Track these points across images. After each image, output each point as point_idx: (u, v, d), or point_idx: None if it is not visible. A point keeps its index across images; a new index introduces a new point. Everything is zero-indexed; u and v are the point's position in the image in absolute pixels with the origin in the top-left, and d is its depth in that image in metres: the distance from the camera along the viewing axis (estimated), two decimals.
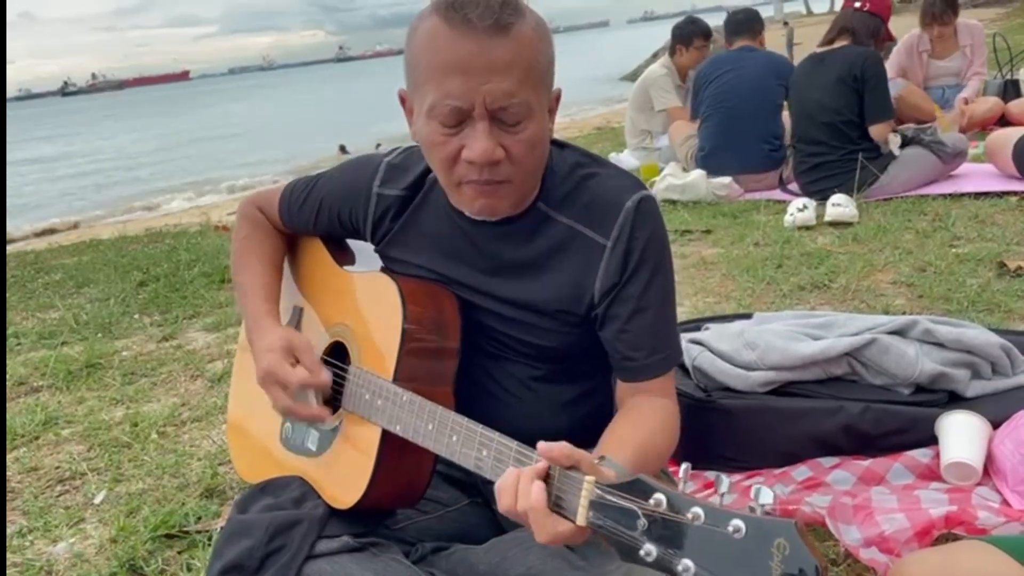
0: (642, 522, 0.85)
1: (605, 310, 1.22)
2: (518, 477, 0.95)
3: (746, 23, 5.07)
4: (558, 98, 1.20)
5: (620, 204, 1.20)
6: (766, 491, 0.80)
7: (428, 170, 1.28)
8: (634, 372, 1.23)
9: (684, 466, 0.87)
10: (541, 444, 0.94)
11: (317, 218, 1.40)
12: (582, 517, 0.90)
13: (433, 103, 1.09)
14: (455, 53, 1.06)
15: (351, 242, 1.46)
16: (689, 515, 0.82)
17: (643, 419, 1.19)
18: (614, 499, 0.88)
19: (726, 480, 0.84)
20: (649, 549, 0.84)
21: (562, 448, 0.94)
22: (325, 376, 1.25)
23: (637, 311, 1.21)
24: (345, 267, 1.40)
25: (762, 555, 0.77)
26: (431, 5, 1.11)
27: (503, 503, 0.96)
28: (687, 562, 0.81)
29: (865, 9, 4.20)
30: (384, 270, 1.34)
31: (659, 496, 0.84)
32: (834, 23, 4.35)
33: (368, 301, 1.31)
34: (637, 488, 0.87)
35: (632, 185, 1.23)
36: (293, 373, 1.23)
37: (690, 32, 5.61)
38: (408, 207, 1.31)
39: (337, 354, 1.33)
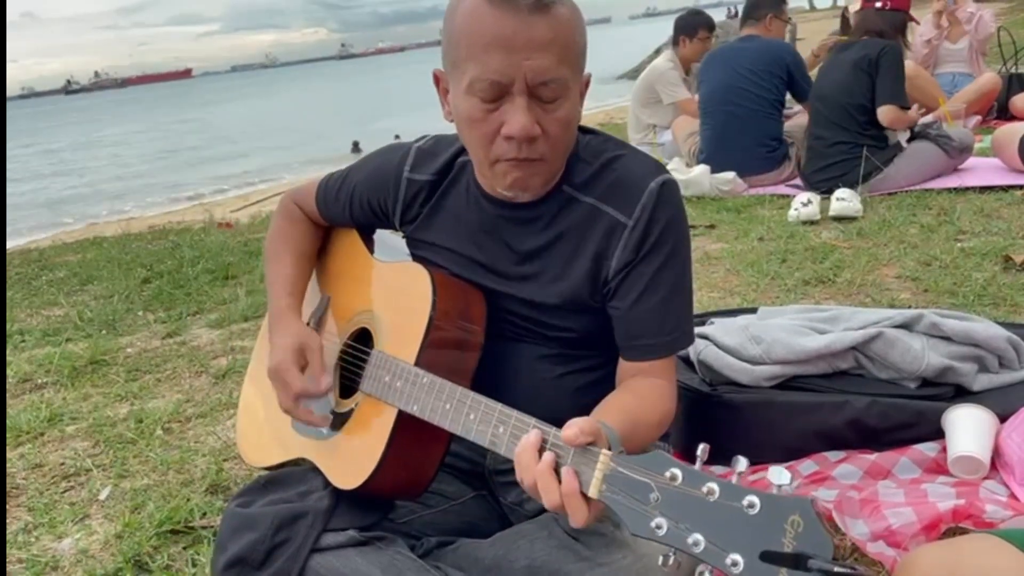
0: (655, 495, 0.84)
1: (617, 285, 1.23)
2: (535, 476, 0.95)
3: (754, 7, 4.94)
4: (587, 82, 1.22)
5: (644, 185, 1.21)
6: (783, 472, 0.79)
7: (456, 155, 1.31)
8: (636, 352, 1.24)
9: (702, 446, 0.87)
10: (568, 432, 0.95)
11: (351, 207, 1.43)
12: (595, 490, 0.90)
13: (473, 79, 1.11)
14: (498, 29, 1.08)
15: (377, 235, 1.49)
16: (704, 490, 0.81)
17: (638, 392, 1.21)
18: (629, 472, 0.87)
19: (743, 460, 0.83)
20: (660, 522, 0.83)
21: (584, 437, 0.94)
22: (325, 384, 1.27)
23: (647, 291, 1.22)
24: (377, 256, 1.42)
25: (775, 531, 0.77)
26: None
27: (524, 480, 0.98)
28: (697, 536, 0.81)
29: (887, 9, 4.15)
30: (416, 259, 1.37)
31: (675, 471, 0.84)
32: (857, 25, 4.29)
33: (399, 289, 1.32)
34: (654, 462, 0.86)
35: (656, 168, 1.25)
36: (297, 379, 1.26)
37: (694, 23, 5.60)
38: (436, 191, 1.33)
39: (362, 340, 1.33)
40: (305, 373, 1.27)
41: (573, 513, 0.93)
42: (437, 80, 1.22)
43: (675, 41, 5.71)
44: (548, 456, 0.95)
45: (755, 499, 0.78)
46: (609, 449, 0.98)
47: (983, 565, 1.12)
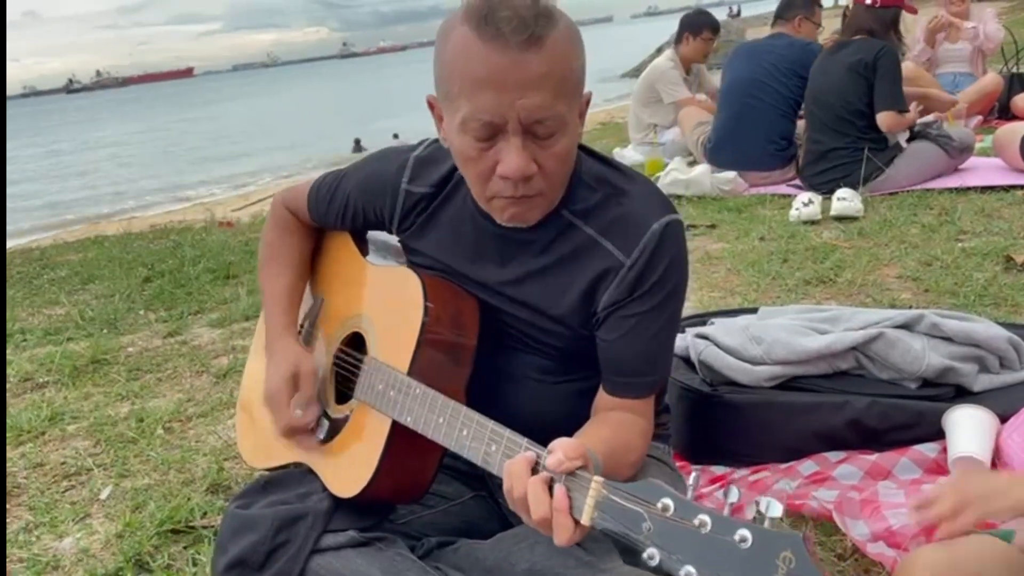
0: (647, 525, 0.84)
1: (605, 317, 1.21)
2: (526, 486, 0.94)
3: (786, 7, 4.91)
4: (588, 101, 1.18)
5: (647, 225, 1.18)
6: (775, 504, 0.79)
7: (456, 166, 1.28)
8: (617, 387, 1.23)
9: (694, 474, 0.87)
10: (552, 460, 0.93)
11: (344, 214, 1.40)
12: (587, 517, 0.90)
13: (465, 118, 1.07)
14: (488, 68, 1.04)
15: (370, 235, 1.48)
16: (696, 522, 0.81)
17: (621, 429, 1.19)
18: (622, 501, 0.87)
19: (736, 491, 0.83)
20: (652, 553, 0.83)
21: (570, 462, 0.93)
22: (309, 416, 1.29)
23: (634, 330, 1.20)
24: (369, 259, 1.41)
25: (767, 566, 0.77)
26: (461, 12, 1.08)
27: (513, 490, 0.96)
28: (690, 569, 0.81)
29: (877, 6, 4.14)
30: (409, 265, 1.35)
31: (667, 501, 0.84)
32: (848, 23, 4.27)
33: (390, 294, 1.31)
34: (646, 491, 0.86)
35: (661, 207, 1.21)
36: (285, 415, 1.29)
37: (699, 23, 5.60)
38: (434, 202, 1.31)
39: (356, 344, 1.33)
40: (294, 400, 1.29)
41: (559, 530, 0.92)
42: (432, 106, 1.18)
43: (678, 38, 5.71)
44: (543, 473, 0.95)
45: (747, 533, 0.78)
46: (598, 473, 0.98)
47: (983, 565, 1.12)
